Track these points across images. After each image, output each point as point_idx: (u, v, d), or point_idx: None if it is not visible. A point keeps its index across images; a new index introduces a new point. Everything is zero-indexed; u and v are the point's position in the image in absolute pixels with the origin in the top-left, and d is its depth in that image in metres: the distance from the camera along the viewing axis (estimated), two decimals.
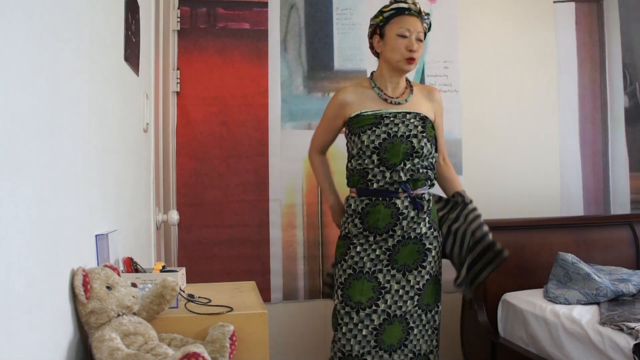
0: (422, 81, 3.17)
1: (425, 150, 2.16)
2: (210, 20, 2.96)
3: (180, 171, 2.91)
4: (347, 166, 2.26)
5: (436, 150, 2.25)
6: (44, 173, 1.05)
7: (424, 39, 2.24)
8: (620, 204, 3.42)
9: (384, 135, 2.14)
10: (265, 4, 3.02)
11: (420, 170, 2.15)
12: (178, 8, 2.90)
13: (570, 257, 2.70)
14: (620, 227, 3.10)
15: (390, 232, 2.14)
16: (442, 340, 3.04)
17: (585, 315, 2.35)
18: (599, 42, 3.45)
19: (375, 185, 2.14)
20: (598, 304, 2.46)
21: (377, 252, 2.15)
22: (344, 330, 2.13)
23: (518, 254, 2.92)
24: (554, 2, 3.39)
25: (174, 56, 2.89)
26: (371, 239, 2.15)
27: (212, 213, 2.93)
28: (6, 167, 0.87)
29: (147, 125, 2.33)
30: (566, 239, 2.98)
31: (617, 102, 3.45)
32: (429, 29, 2.28)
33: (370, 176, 2.15)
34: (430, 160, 2.19)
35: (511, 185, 3.28)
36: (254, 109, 2.99)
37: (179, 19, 2.90)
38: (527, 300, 2.65)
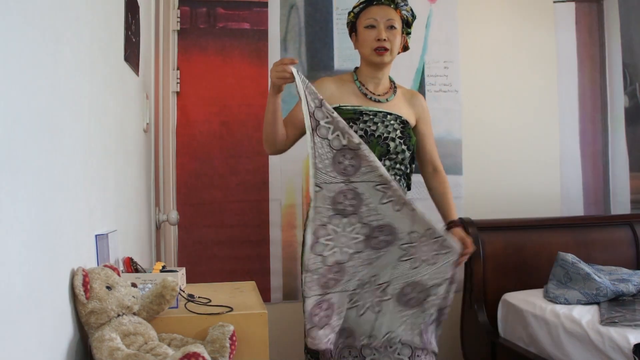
0: (422, 81, 3.18)
1: (399, 156, 2.05)
2: (210, 20, 2.96)
3: (180, 171, 2.91)
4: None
5: (413, 158, 2.13)
6: (44, 173, 1.05)
7: (405, 27, 2.13)
8: (620, 204, 3.42)
9: (360, 133, 2.01)
10: (265, 4, 3.02)
11: (393, 177, 2.01)
12: (178, 8, 2.90)
13: (570, 257, 2.70)
14: (620, 227, 3.10)
15: None
16: (442, 340, 3.04)
17: (585, 315, 2.35)
18: (599, 42, 3.45)
19: None
20: (598, 304, 2.46)
21: None
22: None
23: (518, 254, 2.92)
24: (554, 2, 3.39)
25: (174, 56, 2.89)
26: None
27: (212, 213, 2.93)
28: (6, 167, 0.87)
29: (147, 125, 2.33)
30: (566, 239, 2.98)
31: (617, 102, 3.45)
32: (413, 16, 2.15)
33: None
34: (405, 165, 2.09)
35: (511, 185, 3.28)
36: (254, 109, 2.99)
37: (179, 19, 2.91)
38: (527, 300, 2.65)
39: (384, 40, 2.05)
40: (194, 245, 2.90)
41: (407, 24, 2.15)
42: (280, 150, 2.11)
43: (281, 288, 2.99)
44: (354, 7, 2.14)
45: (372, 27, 2.07)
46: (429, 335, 1.98)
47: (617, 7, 3.45)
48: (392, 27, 2.07)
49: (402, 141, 2.07)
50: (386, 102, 2.13)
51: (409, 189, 2.15)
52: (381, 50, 2.06)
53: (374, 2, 2.09)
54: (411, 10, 2.15)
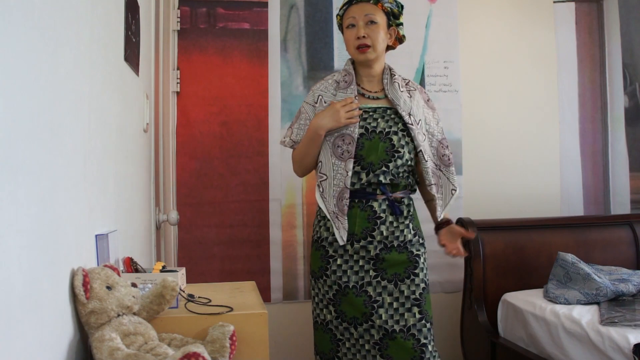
0: (422, 81, 3.17)
1: (406, 150, 2.03)
2: (210, 20, 2.96)
3: (180, 171, 2.91)
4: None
5: (415, 156, 2.09)
6: (44, 173, 1.05)
7: (393, 19, 2.08)
8: (620, 204, 3.42)
9: (361, 131, 2.01)
10: (265, 4, 3.02)
11: (400, 174, 2.02)
12: (178, 8, 2.90)
13: (570, 257, 2.70)
14: (620, 227, 3.10)
15: (369, 238, 1.99)
16: (442, 340, 3.05)
17: (585, 315, 2.35)
18: (599, 42, 3.45)
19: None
20: (598, 304, 2.46)
21: (361, 263, 1.99)
22: (347, 346, 1.99)
23: (518, 254, 2.92)
24: (554, 2, 3.39)
25: (174, 56, 2.89)
26: (349, 247, 2.00)
27: (212, 213, 2.93)
28: (6, 167, 0.87)
29: (147, 125, 2.33)
30: (566, 239, 2.98)
31: (617, 102, 3.45)
32: (399, 6, 2.09)
33: None
34: (410, 165, 2.05)
35: (511, 185, 3.28)
36: (254, 109, 2.99)
37: (179, 19, 2.90)
38: (527, 300, 2.65)
39: (363, 37, 2.03)
40: (194, 245, 2.90)
41: (394, 16, 2.09)
42: (310, 171, 2.19)
43: (281, 288, 2.99)
44: (339, 10, 2.14)
45: (353, 26, 2.06)
46: None
47: (617, 7, 3.45)
48: (372, 22, 2.04)
49: (404, 134, 2.04)
50: (384, 97, 2.09)
51: (414, 190, 2.13)
52: (362, 47, 2.04)
53: (354, 2, 2.08)
54: (395, 1, 2.09)
